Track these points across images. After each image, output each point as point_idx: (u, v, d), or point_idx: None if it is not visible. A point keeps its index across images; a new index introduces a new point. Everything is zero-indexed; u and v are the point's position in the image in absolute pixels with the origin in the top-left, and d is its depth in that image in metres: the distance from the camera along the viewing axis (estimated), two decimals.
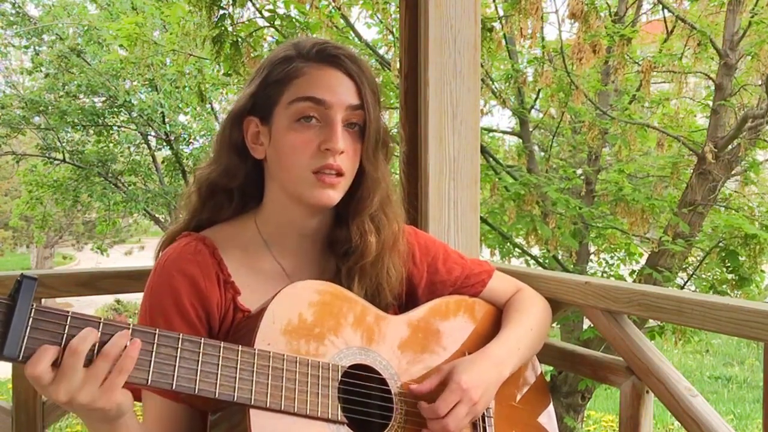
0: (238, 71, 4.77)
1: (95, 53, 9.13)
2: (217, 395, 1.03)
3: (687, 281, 5.05)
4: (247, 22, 5.03)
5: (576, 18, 4.83)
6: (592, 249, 5.62)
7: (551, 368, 4.66)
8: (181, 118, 9.78)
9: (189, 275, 1.19)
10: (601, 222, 5.11)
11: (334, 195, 1.23)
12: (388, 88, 4.68)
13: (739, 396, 7.97)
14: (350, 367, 1.19)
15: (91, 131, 9.58)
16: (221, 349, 1.05)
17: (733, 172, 5.18)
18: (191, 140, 9.76)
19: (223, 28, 4.62)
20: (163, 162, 9.97)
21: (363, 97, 1.23)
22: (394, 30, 5.20)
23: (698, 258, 5.06)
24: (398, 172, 1.98)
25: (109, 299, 12.21)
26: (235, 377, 1.05)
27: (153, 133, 9.66)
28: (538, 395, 1.51)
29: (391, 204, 1.33)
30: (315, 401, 1.11)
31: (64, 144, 9.60)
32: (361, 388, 1.19)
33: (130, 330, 0.98)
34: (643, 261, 5.12)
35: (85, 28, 9.10)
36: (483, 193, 5.29)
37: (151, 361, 0.99)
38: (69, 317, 0.94)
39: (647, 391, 1.52)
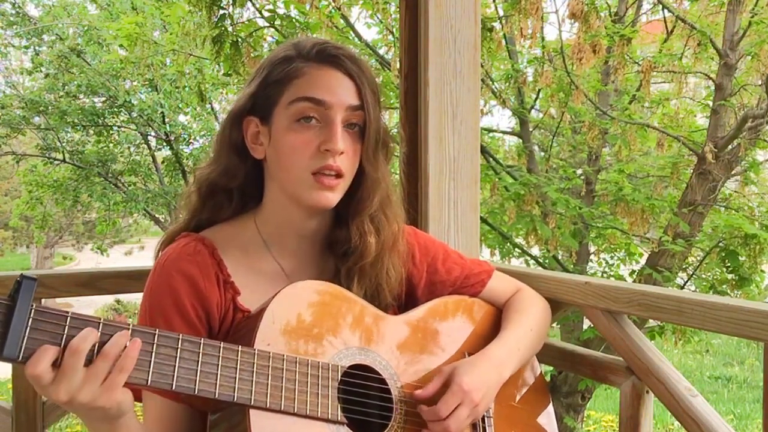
0: (238, 71, 4.77)
1: (95, 53, 9.13)
2: (217, 395, 1.03)
3: (687, 281, 5.05)
4: (247, 22, 5.04)
5: (576, 18, 4.83)
6: (592, 249, 5.62)
7: (551, 368, 4.66)
8: (181, 118, 9.79)
9: (188, 275, 1.19)
10: (601, 222, 5.11)
11: (333, 197, 1.23)
12: (388, 88, 4.68)
13: (739, 396, 7.97)
14: (350, 367, 1.19)
15: (91, 131, 9.59)
16: (221, 349, 1.05)
17: (733, 172, 5.18)
18: (191, 140, 9.76)
19: (223, 28, 4.62)
20: (163, 162, 9.98)
21: (363, 97, 1.23)
22: (394, 30, 5.20)
23: (698, 258, 5.06)
24: (398, 172, 1.98)
25: (109, 299, 12.21)
26: (235, 377, 1.05)
27: (153, 133, 9.66)
28: (538, 395, 1.51)
29: (390, 204, 1.33)
30: (315, 401, 1.11)
31: (64, 144, 9.60)
32: (360, 389, 1.19)
33: (130, 330, 0.98)
34: (643, 261, 5.12)
35: (85, 28, 9.10)
36: (483, 193, 5.29)
37: (150, 361, 0.99)
38: (69, 317, 0.94)
39: (647, 391, 1.52)
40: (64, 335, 0.93)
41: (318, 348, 1.16)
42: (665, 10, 5.33)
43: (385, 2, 5.06)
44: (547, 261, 5.30)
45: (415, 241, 1.44)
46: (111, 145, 9.73)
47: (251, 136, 1.27)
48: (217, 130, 1.37)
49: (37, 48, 9.61)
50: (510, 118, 7.11)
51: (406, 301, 1.41)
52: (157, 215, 10.05)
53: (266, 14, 4.86)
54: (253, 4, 5.05)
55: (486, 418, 1.33)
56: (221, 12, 4.65)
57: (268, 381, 1.07)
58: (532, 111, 5.99)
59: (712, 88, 5.14)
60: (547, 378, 4.85)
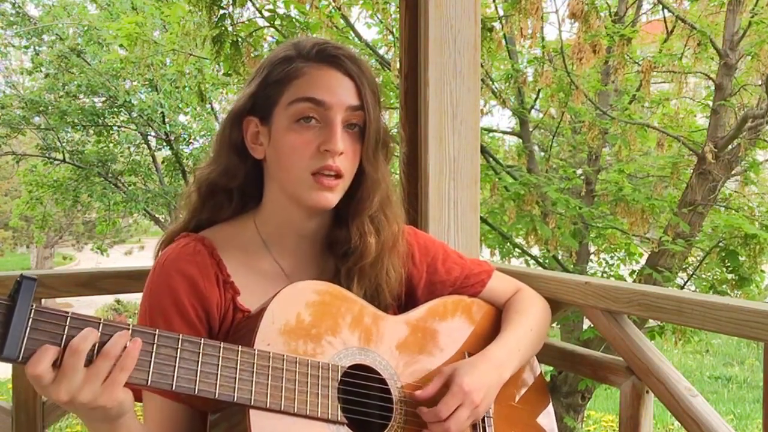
0: (238, 71, 4.77)
1: (95, 53, 9.13)
2: (217, 395, 1.03)
3: (687, 281, 5.05)
4: (247, 22, 5.04)
5: (576, 18, 4.83)
6: (592, 249, 5.62)
7: (551, 368, 4.66)
8: (181, 118, 9.79)
9: (188, 275, 1.19)
10: (601, 222, 5.11)
11: (332, 197, 1.23)
12: (388, 88, 4.68)
13: (739, 396, 7.97)
14: (350, 367, 1.19)
15: (91, 131, 9.59)
16: (221, 349, 1.05)
17: (733, 172, 5.18)
18: (191, 140, 9.76)
19: (223, 27, 4.62)
20: (163, 162, 9.98)
21: (363, 97, 1.23)
22: (394, 30, 5.20)
23: (698, 258, 5.06)
24: (398, 172, 1.98)
25: (109, 299, 12.22)
26: (235, 377, 1.05)
27: (153, 133, 9.67)
28: (538, 395, 1.51)
29: (390, 205, 1.33)
30: (315, 401, 1.11)
31: (64, 144, 9.60)
32: (360, 389, 1.19)
33: (130, 330, 0.98)
34: (643, 261, 5.12)
35: (85, 28, 9.10)
36: (483, 193, 5.29)
37: (151, 361, 0.99)
38: (69, 318, 0.94)
39: (647, 391, 1.52)
40: (64, 335, 0.93)
41: (318, 348, 1.16)
42: (665, 10, 5.33)
43: (385, 2, 5.06)
44: (547, 261, 5.30)
45: (415, 241, 1.44)
46: (111, 145, 9.73)
47: (251, 136, 1.27)
48: (217, 130, 1.37)
49: (37, 48, 9.61)
50: (510, 118, 7.12)
51: (405, 301, 1.41)
52: (157, 215, 10.05)
53: (266, 14, 4.86)
54: (253, 4, 5.05)
55: (486, 418, 1.33)
56: (221, 12, 4.65)
57: (268, 381, 1.07)
58: (532, 111, 5.99)
59: (712, 88, 5.14)
60: (547, 378, 4.85)
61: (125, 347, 0.96)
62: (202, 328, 1.19)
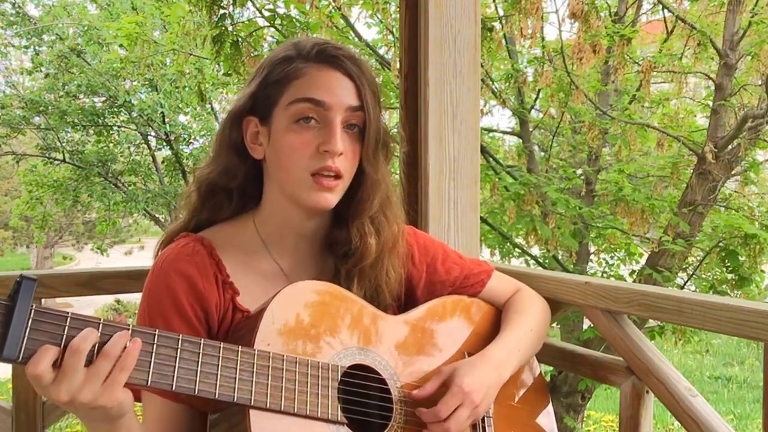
0: (238, 71, 4.77)
1: (95, 53, 9.13)
2: (217, 396, 1.03)
3: (687, 281, 5.05)
4: (247, 22, 5.04)
5: (576, 18, 4.83)
6: (592, 249, 5.62)
7: (551, 368, 4.66)
8: (181, 118, 9.79)
9: (187, 275, 1.19)
10: (601, 222, 5.11)
11: (332, 198, 1.23)
12: (388, 88, 4.68)
13: (739, 396, 7.97)
14: (350, 367, 1.19)
15: (91, 131, 9.59)
16: (221, 349, 1.05)
17: (733, 172, 5.18)
18: (191, 140, 9.76)
19: (223, 27, 4.62)
20: (163, 162, 9.98)
21: (363, 98, 1.23)
22: (394, 30, 5.20)
23: (698, 258, 5.06)
24: (398, 172, 1.98)
25: (109, 299, 12.22)
26: (235, 378, 1.05)
27: (153, 133, 9.67)
28: (538, 395, 1.51)
29: (390, 205, 1.33)
30: (315, 401, 1.11)
31: (64, 144, 9.60)
32: (360, 389, 1.19)
33: (130, 331, 0.98)
34: (643, 261, 5.12)
35: (85, 28, 9.10)
36: (483, 193, 5.29)
37: (150, 361, 0.99)
38: (69, 318, 0.94)
39: (647, 391, 1.52)
40: (64, 335, 0.93)
41: (318, 348, 1.16)
42: (665, 10, 5.33)
43: (385, 2, 5.06)
44: (547, 261, 5.30)
45: (415, 241, 1.44)
46: (111, 145, 9.74)
47: (251, 136, 1.27)
48: (216, 130, 1.37)
49: (37, 48, 9.61)
50: (510, 118, 7.12)
51: (405, 302, 1.41)
52: (157, 215, 10.05)
53: (266, 14, 4.86)
54: (254, 4, 5.05)
55: (486, 418, 1.33)
56: (221, 11, 4.65)
57: (268, 381, 1.07)
58: (532, 111, 5.99)
59: (712, 88, 5.14)
60: (547, 378, 4.85)
61: (125, 347, 0.96)
62: (201, 328, 1.19)
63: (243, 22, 5.05)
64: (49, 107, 9.12)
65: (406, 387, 1.25)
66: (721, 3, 5.04)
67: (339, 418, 1.14)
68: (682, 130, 5.46)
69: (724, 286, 4.74)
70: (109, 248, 12.56)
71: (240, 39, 4.73)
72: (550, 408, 1.53)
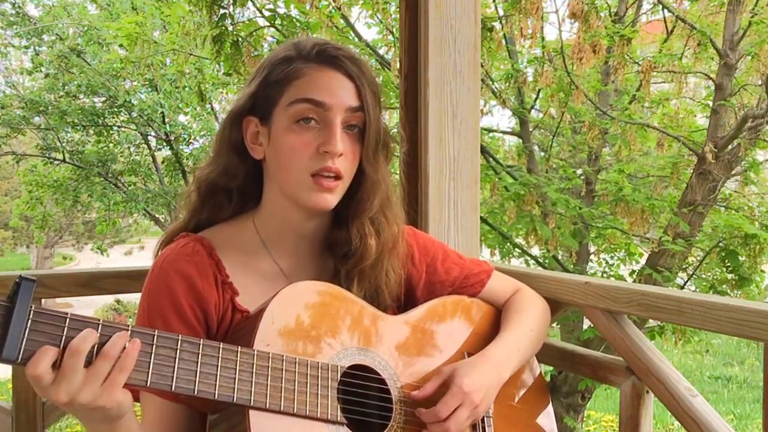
0: (238, 71, 4.77)
1: (95, 53, 9.13)
2: (216, 396, 1.03)
3: (687, 281, 5.05)
4: (247, 22, 5.04)
5: (576, 18, 4.83)
6: (592, 249, 5.62)
7: (551, 368, 4.66)
8: (181, 118, 9.79)
9: (186, 276, 1.19)
10: (601, 222, 5.11)
11: (332, 199, 1.23)
12: (388, 88, 4.68)
13: (739, 396, 7.97)
14: (349, 367, 1.19)
15: (91, 131, 9.59)
16: (220, 350, 1.05)
17: (733, 172, 5.18)
18: (191, 140, 9.76)
19: (223, 27, 4.62)
20: (163, 162, 9.98)
21: (363, 98, 1.23)
22: (394, 30, 5.20)
23: (698, 258, 5.06)
24: (398, 172, 1.98)
25: (109, 299, 12.22)
26: (235, 378, 1.04)
27: (153, 133, 9.67)
28: (537, 395, 1.51)
29: (390, 206, 1.33)
30: (314, 402, 1.11)
31: (64, 144, 9.60)
32: (360, 389, 1.19)
33: (129, 332, 0.98)
34: (643, 261, 5.12)
35: (85, 28, 9.10)
36: (483, 193, 5.29)
37: (150, 362, 0.99)
38: (68, 318, 0.94)
39: (647, 391, 1.52)
40: (64, 336, 0.93)
41: (317, 348, 1.16)
42: (665, 10, 5.33)
43: (385, 2, 5.06)
44: (547, 261, 5.30)
45: (414, 242, 1.44)
46: (111, 145, 9.74)
47: (251, 136, 1.27)
48: (216, 130, 1.36)
49: (37, 48, 9.61)
50: (510, 118, 7.12)
51: (405, 302, 1.41)
52: (157, 215, 10.05)
53: (267, 14, 4.86)
54: (254, 4, 5.05)
55: (486, 418, 1.33)
56: (222, 11, 4.65)
57: (268, 381, 1.07)
58: (532, 111, 5.99)
59: (712, 88, 5.14)
60: (547, 378, 4.85)
61: (124, 348, 0.96)
62: (200, 329, 1.19)
63: (243, 21, 5.05)
64: (49, 107, 9.12)
65: (406, 387, 1.25)
66: (721, 3, 5.04)
67: (339, 419, 1.14)
68: (682, 130, 5.46)
69: (724, 286, 4.74)
70: (109, 248, 12.57)
71: (240, 39, 4.73)
72: (550, 408, 1.53)
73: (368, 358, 1.22)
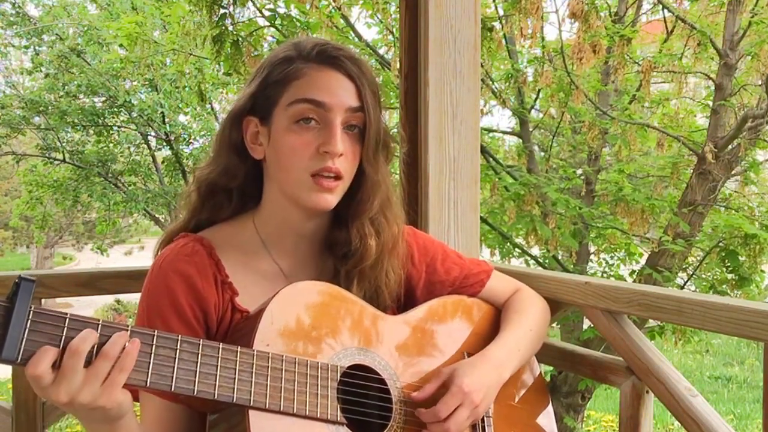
0: (238, 71, 4.77)
1: (95, 53, 9.13)
2: (216, 396, 1.03)
3: (687, 281, 5.05)
4: (247, 22, 5.04)
5: (576, 18, 4.83)
6: (592, 249, 5.62)
7: (551, 368, 4.66)
8: (181, 118, 9.79)
9: (185, 275, 1.19)
10: (601, 222, 5.11)
11: (332, 199, 1.23)
12: (388, 88, 4.68)
13: (739, 396, 7.97)
14: (349, 367, 1.19)
15: (91, 131, 9.59)
16: (220, 350, 1.05)
17: (733, 172, 5.18)
18: (191, 140, 9.76)
19: (223, 27, 4.61)
20: (163, 162, 9.98)
21: (363, 99, 1.23)
22: (394, 30, 5.20)
23: (698, 258, 5.07)
24: (398, 172, 1.98)
25: (109, 299, 12.22)
26: (234, 378, 1.04)
27: (153, 133, 9.67)
28: (537, 395, 1.51)
29: (391, 206, 1.33)
30: (314, 402, 1.11)
31: (64, 144, 9.60)
32: (360, 389, 1.19)
33: (129, 332, 0.98)
34: (643, 261, 5.13)
35: (85, 28, 9.10)
36: (483, 193, 5.29)
37: (149, 362, 0.99)
38: (67, 319, 0.94)
39: (647, 391, 1.52)
40: (63, 336, 0.93)
41: (317, 348, 1.16)
42: (665, 10, 5.33)
43: (385, 2, 5.06)
44: (547, 261, 5.30)
45: (414, 242, 1.44)
46: (111, 145, 9.74)
47: (251, 136, 1.27)
48: (216, 130, 1.36)
49: (37, 48, 9.61)
50: (510, 118, 7.12)
51: (405, 302, 1.41)
52: (157, 215, 10.05)
53: (267, 13, 4.87)
54: (254, 4, 5.05)
55: (486, 418, 1.33)
56: (222, 11, 4.65)
57: (268, 381, 1.07)
58: (532, 111, 5.99)
59: (712, 88, 5.15)
60: (547, 378, 4.85)
61: (124, 348, 0.96)
62: (199, 329, 1.19)
63: (243, 21, 5.04)
64: (49, 107, 9.12)
65: (406, 387, 1.25)
66: (721, 3, 5.04)
67: (338, 419, 1.14)
68: (682, 130, 5.46)
69: (724, 286, 4.74)
70: (109, 248, 12.57)
71: (240, 39, 4.73)
72: (550, 408, 1.52)
73: (368, 358, 1.22)
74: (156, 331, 1.01)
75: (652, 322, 4.45)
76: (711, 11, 5.37)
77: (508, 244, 5.23)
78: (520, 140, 5.81)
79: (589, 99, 5.34)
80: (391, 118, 5.64)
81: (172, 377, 1.00)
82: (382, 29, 5.55)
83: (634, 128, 5.26)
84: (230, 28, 4.70)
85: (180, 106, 9.31)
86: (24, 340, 0.90)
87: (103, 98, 9.31)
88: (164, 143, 9.64)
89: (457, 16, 1.86)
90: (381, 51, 5.60)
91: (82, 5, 9.70)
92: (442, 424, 1.19)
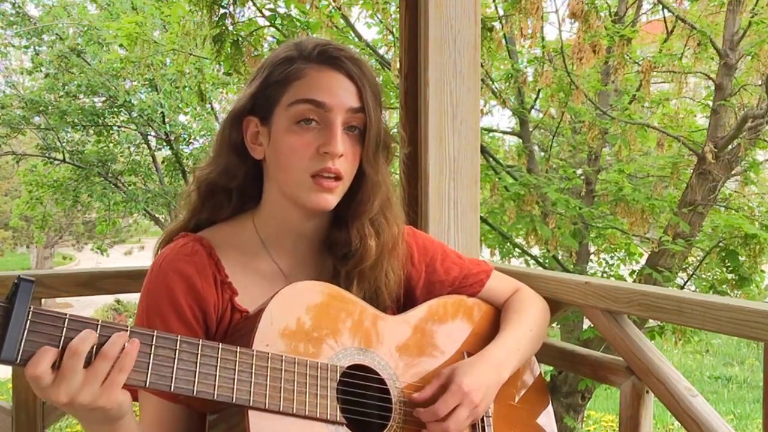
0: (238, 71, 4.77)
1: (95, 53, 9.13)
2: (215, 396, 1.03)
3: (687, 281, 5.05)
4: (247, 21, 5.03)
5: (576, 18, 4.83)
6: (592, 249, 5.62)
7: (551, 368, 4.66)
8: (181, 118, 9.79)
9: (185, 275, 1.19)
10: (601, 222, 5.11)
11: (332, 199, 1.23)
12: (388, 88, 4.68)
13: (739, 396, 7.97)
14: (349, 367, 1.18)
15: (91, 131, 9.59)
16: (219, 350, 1.05)
17: (733, 172, 5.18)
18: (191, 140, 9.76)
19: (223, 27, 4.61)
20: (163, 162, 9.98)
21: (364, 99, 1.23)
22: (394, 30, 5.20)
23: (698, 258, 5.06)
24: (398, 172, 1.98)
25: (109, 299, 12.22)
26: (234, 378, 1.04)
27: (153, 133, 9.66)
28: (537, 395, 1.51)
29: (391, 207, 1.33)
30: (314, 402, 1.11)
31: (64, 144, 9.60)
32: (360, 389, 1.19)
33: (128, 332, 0.98)
34: (643, 261, 5.13)
35: (85, 28, 9.09)
36: (483, 193, 5.29)
37: (149, 362, 0.99)
38: (67, 319, 0.94)
39: (647, 391, 1.52)
40: (63, 337, 0.93)
41: (317, 348, 1.16)
42: (665, 10, 5.33)
43: (385, 2, 5.06)
44: (547, 261, 5.30)
45: (414, 242, 1.44)
46: (111, 145, 9.73)
47: (251, 136, 1.26)
48: (217, 130, 1.36)
49: (37, 48, 9.61)
50: (510, 118, 7.12)
51: (404, 302, 1.41)
52: (157, 215, 10.04)
53: (267, 13, 4.86)
54: (254, 3, 5.05)
55: (485, 418, 1.33)
56: (222, 11, 4.65)
57: (267, 382, 1.07)
58: (532, 111, 5.99)
59: (712, 88, 5.14)
60: (547, 378, 4.85)
61: (123, 348, 0.96)
62: (199, 329, 1.19)
63: (243, 21, 5.04)
64: (49, 107, 9.12)
65: (406, 387, 1.25)
66: (721, 3, 5.04)
67: (338, 419, 1.14)
68: (682, 130, 5.46)
69: (724, 286, 4.74)
70: (109, 248, 12.56)
71: (240, 38, 4.73)
72: (550, 408, 1.52)
73: (368, 358, 1.22)
74: (155, 332, 1.01)
75: (652, 322, 4.45)
76: (711, 11, 5.37)
77: (508, 244, 5.23)
78: (520, 140, 5.81)
79: (589, 99, 5.34)
80: (391, 118, 5.64)
81: (172, 377, 1.00)
82: (382, 29, 5.55)
83: (634, 128, 5.26)
84: (230, 27, 4.70)
85: (180, 106, 9.30)
86: (23, 340, 0.90)
87: (103, 98, 9.31)
88: (164, 143, 9.64)
89: (457, 16, 1.86)
90: (381, 51, 5.60)
91: (82, 5, 9.70)
92: (441, 423, 1.19)
